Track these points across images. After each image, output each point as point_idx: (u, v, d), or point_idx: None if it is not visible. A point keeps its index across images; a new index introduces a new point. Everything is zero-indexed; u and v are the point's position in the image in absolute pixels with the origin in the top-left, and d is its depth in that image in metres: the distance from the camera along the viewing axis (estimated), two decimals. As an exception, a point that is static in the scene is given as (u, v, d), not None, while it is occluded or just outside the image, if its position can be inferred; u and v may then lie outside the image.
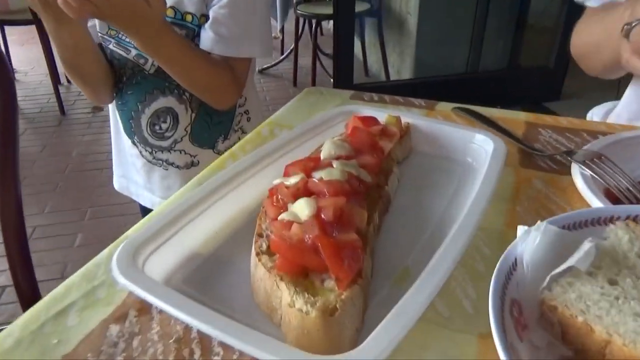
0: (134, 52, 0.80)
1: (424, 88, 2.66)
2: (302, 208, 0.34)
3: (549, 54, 2.78)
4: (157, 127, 0.85)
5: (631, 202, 0.40)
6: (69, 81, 3.53)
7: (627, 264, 0.26)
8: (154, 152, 0.88)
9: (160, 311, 0.31)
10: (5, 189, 0.73)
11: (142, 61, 0.81)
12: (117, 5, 0.62)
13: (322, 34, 3.31)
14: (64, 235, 1.94)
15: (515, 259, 0.28)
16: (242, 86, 0.83)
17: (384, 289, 0.34)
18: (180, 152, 0.88)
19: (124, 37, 0.79)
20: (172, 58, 0.73)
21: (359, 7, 2.98)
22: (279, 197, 0.36)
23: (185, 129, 0.86)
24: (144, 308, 0.32)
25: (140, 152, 0.89)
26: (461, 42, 2.84)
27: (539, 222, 0.27)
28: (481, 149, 0.47)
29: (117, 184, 1.01)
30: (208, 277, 0.35)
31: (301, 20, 3.23)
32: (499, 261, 0.27)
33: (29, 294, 0.77)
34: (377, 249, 0.38)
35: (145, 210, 0.99)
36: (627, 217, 0.29)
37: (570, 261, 0.25)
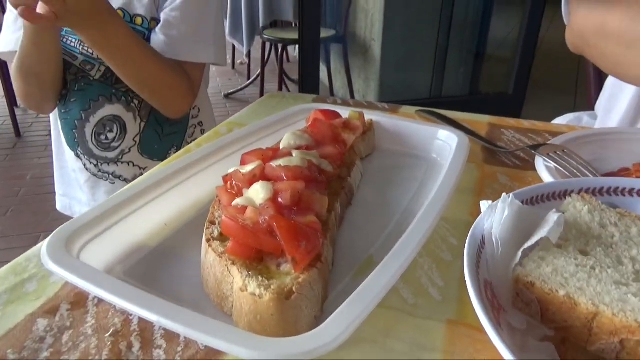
0: (80, 58, 0.76)
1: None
2: (257, 192, 0.31)
3: (508, 81, 2.89)
4: (102, 137, 0.80)
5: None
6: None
7: (593, 234, 0.25)
8: (99, 164, 0.83)
9: (97, 304, 0.28)
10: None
11: (88, 67, 0.76)
12: None
13: (288, 60, 3.34)
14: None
15: (483, 237, 0.26)
16: (196, 94, 0.80)
17: (346, 278, 0.32)
18: (129, 164, 0.82)
19: (69, 43, 0.76)
20: (122, 51, 0.68)
21: (325, 33, 3.03)
22: (234, 183, 0.34)
23: (133, 139, 0.81)
24: (79, 301, 0.28)
25: (85, 164, 0.84)
26: (424, 68, 2.92)
27: (504, 194, 0.26)
28: (446, 144, 0.46)
29: (59, 203, 0.94)
30: (154, 269, 0.32)
31: (267, 46, 3.25)
32: (467, 239, 0.26)
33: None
34: (340, 240, 0.36)
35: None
36: (580, 190, 0.28)
37: (541, 233, 0.23)
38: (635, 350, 0.19)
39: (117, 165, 0.82)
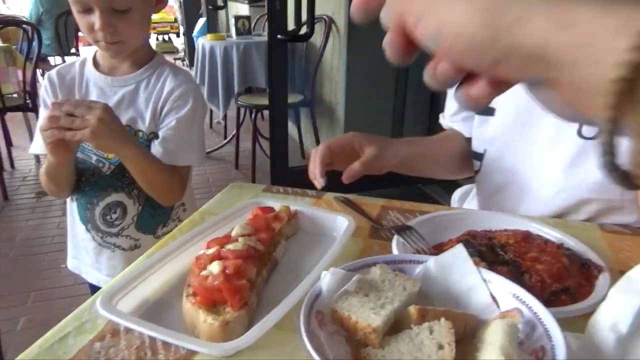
0: (94, 157, 1.02)
1: (353, 168, 2.99)
2: (214, 267, 0.56)
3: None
4: (108, 217, 1.06)
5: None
6: (12, 166, 3.61)
7: (376, 285, 0.49)
8: (104, 237, 1.08)
9: (126, 333, 0.52)
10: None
11: (100, 165, 1.03)
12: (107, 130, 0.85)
13: (262, 118, 3.63)
14: (6, 319, 1.98)
15: (321, 288, 0.50)
16: (185, 187, 1.08)
17: (265, 315, 0.56)
18: (126, 237, 1.09)
19: (86, 145, 1.02)
20: (134, 161, 0.96)
21: (294, 99, 3.35)
22: (201, 261, 0.59)
23: (132, 219, 1.07)
24: (115, 331, 0.52)
25: (93, 237, 1.09)
26: (383, 128, 3.25)
27: (331, 268, 0.51)
28: (342, 225, 0.72)
29: (70, 263, 1.19)
30: (158, 312, 0.56)
31: (242, 109, 3.55)
32: (312, 289, 0.50)
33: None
34: (266, 292, 0.60)
35: (93, 289, 1.17)
36: (384, 262, 0.54)
37: (347, 286, 0.48)
38: (368, 337, 0.44)
39: (118, 238, 1.07)
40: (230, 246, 0.61)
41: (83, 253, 1.13)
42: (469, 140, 0.98)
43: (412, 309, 0.46)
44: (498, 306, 0.49)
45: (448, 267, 0.53)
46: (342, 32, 3.01)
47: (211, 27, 4.41)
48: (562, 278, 0.59)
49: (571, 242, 0.67)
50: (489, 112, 0.90)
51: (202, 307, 0.52)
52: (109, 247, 1.09)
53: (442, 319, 0.44)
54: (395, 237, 0.68)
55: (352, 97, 3.13)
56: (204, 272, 0.56)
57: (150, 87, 1.04)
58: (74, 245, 1.16)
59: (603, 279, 0.59)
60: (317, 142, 3.48)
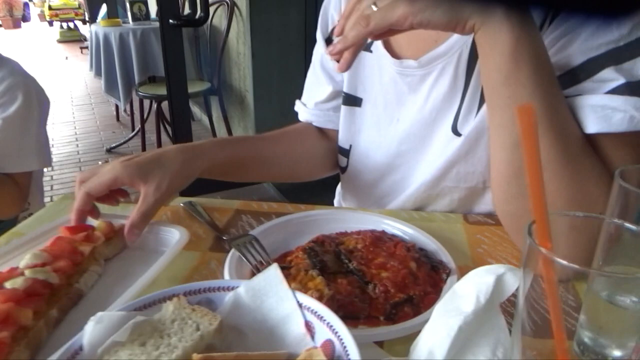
0: None
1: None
2: (-29, 316, 0.44)
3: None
4: None
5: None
6: None
7: (161, 329, 0.40)
8: None
9: None
10: None
11: None
12: None
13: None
14: None
15: (81, 345, 0.39)
16: (26, 197, 0.92)
17: None
18: None
19: None
20: None
21: (200, 87, 3.17)
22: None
23: None
24: None
25: None
26: (295, 114, 3.15)
27: (99, 313, 0.40)
28: (172, 238, 0.61)
29: None
30: None
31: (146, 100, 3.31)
32: (65, 347, 0.38)
33: None
34: (59, 334, 0.49)
35: None
36: (184, 293, 0.44)
37: (115, 336, 0.38)
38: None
39: None
40: (8, 283, 0.48)
41: None
42: (330, 134, 0.90)
43: (195, 358, 0.37)
44: (313, 337, 0.41)
45: (261, 292, 0.44)
46: (244, 15, 2.87)
47: (111, 12, 4.06)
48: (407, 286, 0.52)
49: (426, 240, 0.61)
50: (355, 102, 0.82)
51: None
52: None
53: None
54: (232, 250, 0.59)
55: (261, 84, 3.01)
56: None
57: None
58: None
59: (450, 283, 0.53)
60: (229, 132, 3.33)
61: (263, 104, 3.04)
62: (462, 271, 0.54)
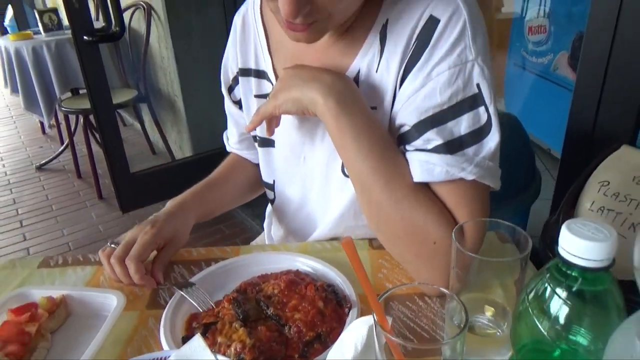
0: None
1: (205, 162, 2.91)
2: None
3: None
4: None
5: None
6: None
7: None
8: None
9: None
10: None
11: None
12: None
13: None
14: None
15: None
16: None
17: None
18: None
19: None
20: None
21: (127, 96, 3.12)
22: None
23: None
24: None
25: None
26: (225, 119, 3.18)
27: None
28: (110, 303, 0.69)
29: None
30: None
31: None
32: None
33: None
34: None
35: None
36: None
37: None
38: None
39: None
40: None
41: None
42: (257, 165, 0.99)
43: None
44: (235, 393, 0.51)
45: None
46: (162, 18, 2.83)
47: (21, 23, 3.85)
48: (316, 325, 0.63)
49: (332, 274, 0.72)
50: (269, 143, 0.91)
51: None
52: None
53: None
54: (164, 311, 0.67)
55: (189, 88, 3.00)
56: None
57: None
58: None
59: (352, 316, 0.65)
60: (163, 138, 3.32)
61: (194, 108, 3.04)
62: (364, 300, 0.65)
